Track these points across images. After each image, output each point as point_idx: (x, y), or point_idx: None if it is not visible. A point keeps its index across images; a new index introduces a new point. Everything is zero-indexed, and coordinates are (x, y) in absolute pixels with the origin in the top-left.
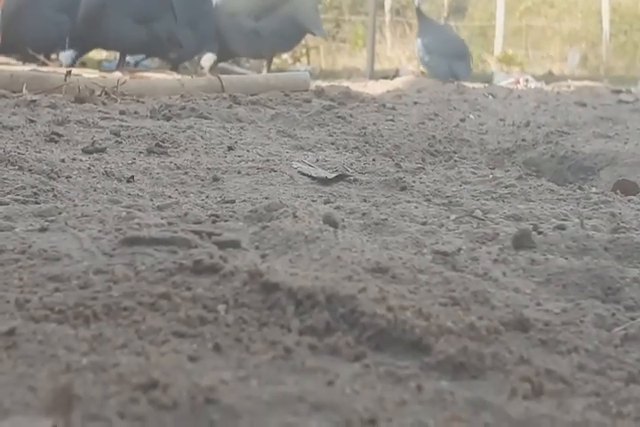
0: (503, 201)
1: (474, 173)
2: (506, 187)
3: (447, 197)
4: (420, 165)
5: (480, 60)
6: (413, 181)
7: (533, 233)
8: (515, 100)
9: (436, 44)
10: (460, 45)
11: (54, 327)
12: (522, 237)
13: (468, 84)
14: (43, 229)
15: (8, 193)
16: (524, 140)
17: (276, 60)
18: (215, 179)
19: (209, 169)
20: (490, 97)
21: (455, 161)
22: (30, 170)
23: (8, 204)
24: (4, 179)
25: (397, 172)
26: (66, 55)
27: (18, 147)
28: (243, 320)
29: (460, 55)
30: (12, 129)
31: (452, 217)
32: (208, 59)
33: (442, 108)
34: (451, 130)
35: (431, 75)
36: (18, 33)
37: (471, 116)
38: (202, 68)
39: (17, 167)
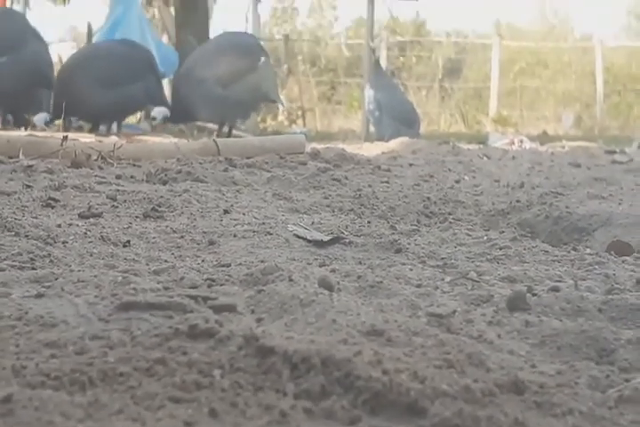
0: (498, 263)
1: (468, 235)
2: (500, 248)
3: (442, 258)
4: (414, 227)
5: (475, 122)
6: (408, 243)
7: (528, 295)
8: (509, 161)
9: (389, 103)
10: (411, 112)
11: (50, 394)
12: (516, 298)
13: (463, 146)
14: (39, 295)
15: (4, 259)
16: (518, 201)
17: (272, 122)
18: (211, 242)
19: (205, 233)
20: (484, 158)
21: (450, 222)
22: (27, 236)
23: (5, 270)
24: (1, 245)
25: (392, 234)
26: (39, 118)
27: (14, 212)
28: (238, 385)
29: (410, 122)
30: (8, 195)
31: (447, 279)
32: (160, 111)
33: (437, 170)
34: (445, 191)
35: (377, 133)
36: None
37: (466, 177)
38: (154, 119)
39: (13, 233)
